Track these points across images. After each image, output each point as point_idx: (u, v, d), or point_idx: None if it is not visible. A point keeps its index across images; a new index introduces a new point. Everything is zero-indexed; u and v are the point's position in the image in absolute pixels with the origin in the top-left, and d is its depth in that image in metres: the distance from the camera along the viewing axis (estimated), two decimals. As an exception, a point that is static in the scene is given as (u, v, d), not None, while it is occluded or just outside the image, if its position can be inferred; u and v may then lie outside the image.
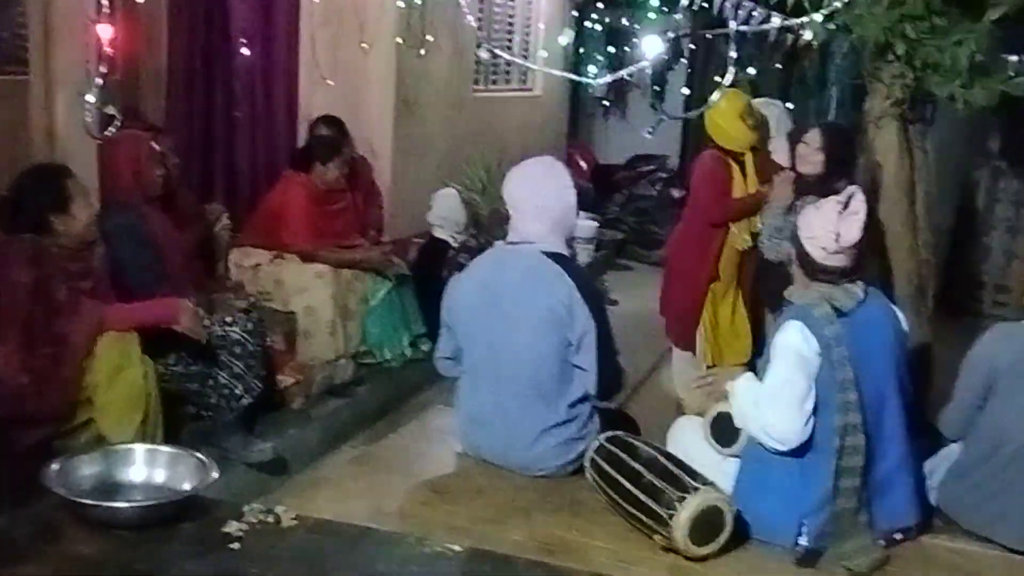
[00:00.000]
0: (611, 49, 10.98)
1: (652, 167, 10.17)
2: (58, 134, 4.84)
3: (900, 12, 4.42)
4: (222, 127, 6.85)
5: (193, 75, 6.72)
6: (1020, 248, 7.99)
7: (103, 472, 2.62)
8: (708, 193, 4.97)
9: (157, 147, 4.54)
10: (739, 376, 3.15)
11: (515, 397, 3.27)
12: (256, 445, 4.20)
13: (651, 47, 4.97)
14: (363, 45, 6.42)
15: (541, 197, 3.29)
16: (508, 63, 9.18)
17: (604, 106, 11.60)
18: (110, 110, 3.65)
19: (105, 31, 3.72)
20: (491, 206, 7.64)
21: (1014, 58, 4.50)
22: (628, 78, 8.72)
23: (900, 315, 3.23)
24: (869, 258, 3.59)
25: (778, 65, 10.55)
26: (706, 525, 2.79)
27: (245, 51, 6.67)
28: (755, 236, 4.94)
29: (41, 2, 4.85)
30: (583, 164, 10.32)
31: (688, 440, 3.29)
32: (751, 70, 8.67)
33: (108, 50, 3.69)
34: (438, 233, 6.00)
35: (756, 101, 5.57)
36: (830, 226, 2.99)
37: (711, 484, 2.87)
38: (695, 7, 4.81)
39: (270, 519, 2.47)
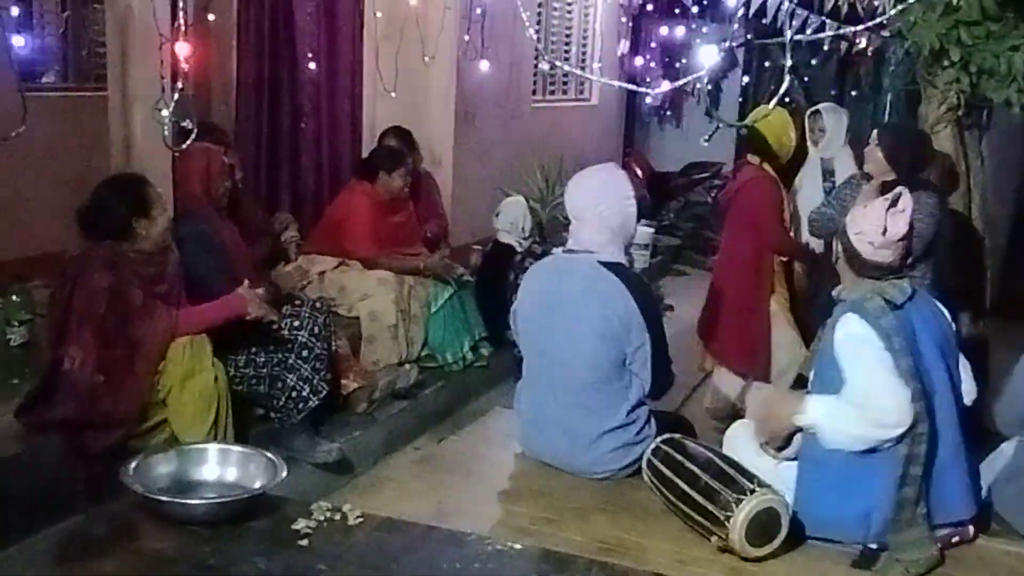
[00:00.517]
0: (667, 59, 10.94)
1: (706, 174, 10.10)
2: (135, 146, 4.94)
3: (954, 18, 4.36)
4: (289, 139, 6.94)
5: (261, 89, 6.83)
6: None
7: (178, 470, 2.66)
8: (772, 219, 4.79)
9: (227, 160, 4.63)
10: (801, 403, 3.02)
11: (573, 403, 3.26)
12: (322, 446, 4.24)
13: (706, 57, 4.94)
14: (425, 58, 6.46)
15: (602, 206, 3.23)
16: (565, 74, 9.19)
17: (659, 115, 11.56)
18: (187, 124, 3.72)
19: (180, 49, 3.79)
20: (550, 213, 7.66)
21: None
22: (683, 88, 8.67)
23: (946, 312, 3.17)
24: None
25: (832, 72, 10.45)
26: (762, 526, 2.76)
27: (311, 66, 6.76)
28: None
29: (119, 22, 4.96)
30: (639, 172, 10.27)
31: (743, 444, 3.25)
32: (806, 78, 8.59)
33: (182, 67, 3.77)
34: (504, 238, 5.99)
35: (822, 107, 5.52)
36: (877, 221, 2.96)
37: (767, 486, 2.84)
38: (750, 16, 4.79)
39: (337, 517, 2.49)
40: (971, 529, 3.07)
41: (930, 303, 3.14)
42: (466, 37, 6.72)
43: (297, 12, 6.86)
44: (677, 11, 10.14)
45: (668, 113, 11.52)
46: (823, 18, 5.20)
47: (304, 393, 4.16)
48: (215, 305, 3.89)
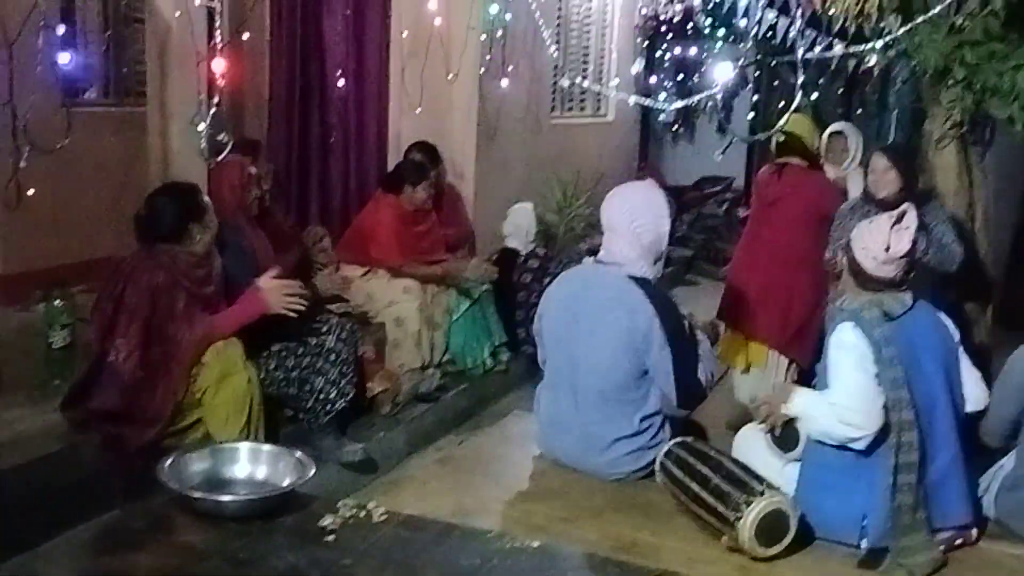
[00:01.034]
0: (680, 76, 10.93)
1: (718, 188, 10.09)
2: (172, 159, 4.99)
3: (959, 39, 4.34)
4: (318, 152, 6.98)
5: (292, 105, 6.87)
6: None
7: (211, 468, 2.69)
8: (828, 210, 4.74)
9: (253, 170, 4.66)
10: (791, 394, 3.12)
11: (592, 407, 3.25)
12: (348, 446, 4.25)
13: (719, 74, 4.94)
14: (449, 76, 6.48)
15: (637, 222, 3.21)
16: (583, 91, 9.20)
17: (673, 131, 11.55)
18: (222, 137, 3.75)
19: (215, 66, 3.82)
20: (567, 225, 7.67)
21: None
22: (696, 104, 8.66)
23: (949, 323, 3.16)
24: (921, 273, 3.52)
25: (840, 90, 10.40)
26: (771, 527, 2.75)
27: (340, 82, 6.80)
28: None
29: (158, 41, 5.01)
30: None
31: (752, 447, 3.25)
32: (814, 95, 8.56)
33: (218, 83, 3.80)
34: (509, 243, 6.07)
35: (844, 127, 5.50)
36: (882, 237, 2.97)
37: (776, 488, 2.84)
38: (760, 35, 4.78)
39: (362, 514, 2.50)
40: (974, 532, 3.05)
41: (931, 315, 3.13)
42: (488, 56, 6.74)
43: (327, 31, 6.89)
44: (690, 31, 10.14)
45: (682, 129, 11.52)
46: (831, 38, 5.18)
47: (331, 395, 4.17)
48: (239, 308, 3.89)
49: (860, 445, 2.90)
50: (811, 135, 4.98)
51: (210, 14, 4.69)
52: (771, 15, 6.88)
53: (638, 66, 9.86)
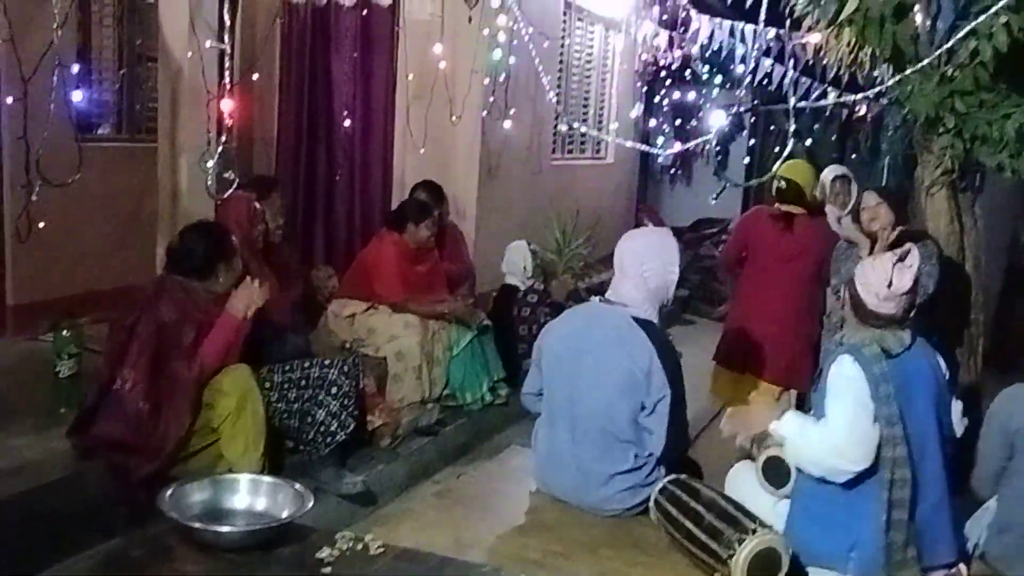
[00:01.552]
0: (678, 121, 11.02)
1: (715, 229, 10.12)
2: (181, 194, 5.02)
3: (950, 88, 4.37)
4: (324, 189, 7.02)
5: (299, 143, 6.93)
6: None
7: (211, 499, 2.67)
8: (828, 255, 4.78)
9: (258, 206, 4.68)
10: (782, 418, 3.09)
11: (589, 445, 3.23)
12: (348, 478, 4.22)
13: (716, 120, 4.97)
14: (452, 117, 6.53)
15: (647, 266, 3.22)
16: (583, 134, 9.26)
17: (671, 174, 11.61)
18: (229, 175, 3.77)
19: (225, 105, 3.85)
20: (566, 264, 7.68)
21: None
22: (693, 149, 8.72)
23: (942, 363, 3.15)
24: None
25: (833, 136, 10.47)
26: (763, 565, 2.73)
27: (346, 122, 6.85)
28: None
29: (170, 80, 5.05)
30: (650, 226, 10.31)
31: (744, 484, 3.23)
32: (809, 141, 8.62)
33: (227, 122, 3.83)
34: (508, 280, 6.10)
35: (847, 172, 5.50)
36: (884, 274, 2.97)
37: (768, 527, 2.82)
38: (756, 83, 4.81)
39: (359, 547, 2.48)
40: (963, 569, 3.02)
41: (928, 354, 3.12)
42: (491, 98, 6.80)
43: (335, 72, 6.97)
44: (689, 77, 10.24)
45: (679, 172, 11.59)
46: (825, 86, 5.22)
47: (332, 427, 4.15)
48: (215, 333, 3.83)
49: (841, 479, 2.89)
50: (811, 182, 4.97)
51: (220, 55, 4.74)
52: (767, 63, 6.95)
53: (637, 110, 9.95)
